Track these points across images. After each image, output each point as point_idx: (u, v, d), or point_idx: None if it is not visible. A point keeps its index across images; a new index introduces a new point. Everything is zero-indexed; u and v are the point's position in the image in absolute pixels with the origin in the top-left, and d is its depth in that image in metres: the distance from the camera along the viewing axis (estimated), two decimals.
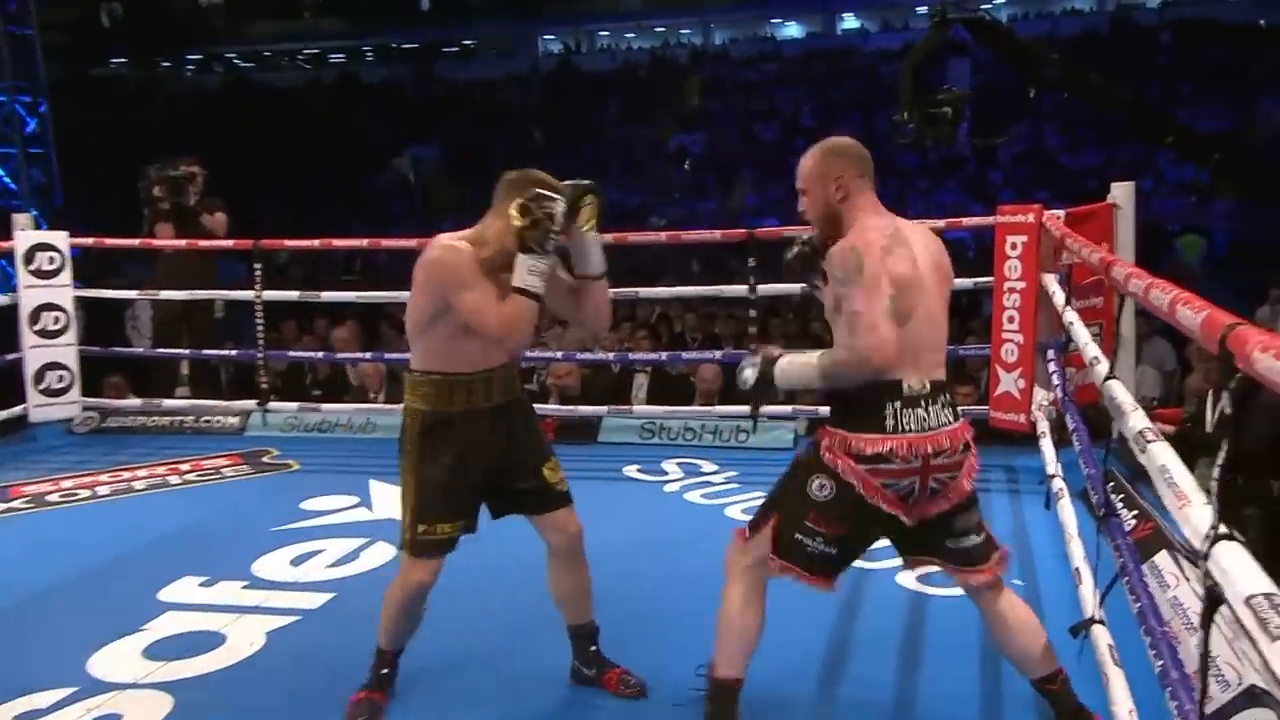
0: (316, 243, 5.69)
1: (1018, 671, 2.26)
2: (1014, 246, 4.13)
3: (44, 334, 5.26)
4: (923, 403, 2.04)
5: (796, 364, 2.13)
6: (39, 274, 5.25)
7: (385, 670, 2.48)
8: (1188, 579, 2.62)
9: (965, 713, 2.40)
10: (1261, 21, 20.37)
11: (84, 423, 5.54)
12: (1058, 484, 3.32)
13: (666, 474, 4.52)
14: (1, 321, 5.35)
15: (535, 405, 2.73)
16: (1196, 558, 1.30)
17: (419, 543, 2.36)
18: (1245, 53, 18.77)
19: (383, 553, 3.51)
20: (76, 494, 4.42)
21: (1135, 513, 3.22)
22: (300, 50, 31.21)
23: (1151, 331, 5.89)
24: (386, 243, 5.66)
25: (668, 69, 25.03)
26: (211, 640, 2.85)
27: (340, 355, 6.09)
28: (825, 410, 4.64)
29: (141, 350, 6.35)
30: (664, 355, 5.68)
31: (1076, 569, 2.61)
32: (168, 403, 5.62)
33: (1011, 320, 4.14)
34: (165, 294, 5.58)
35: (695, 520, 3.89)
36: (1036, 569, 3.23)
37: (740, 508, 3.95)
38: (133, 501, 4.33)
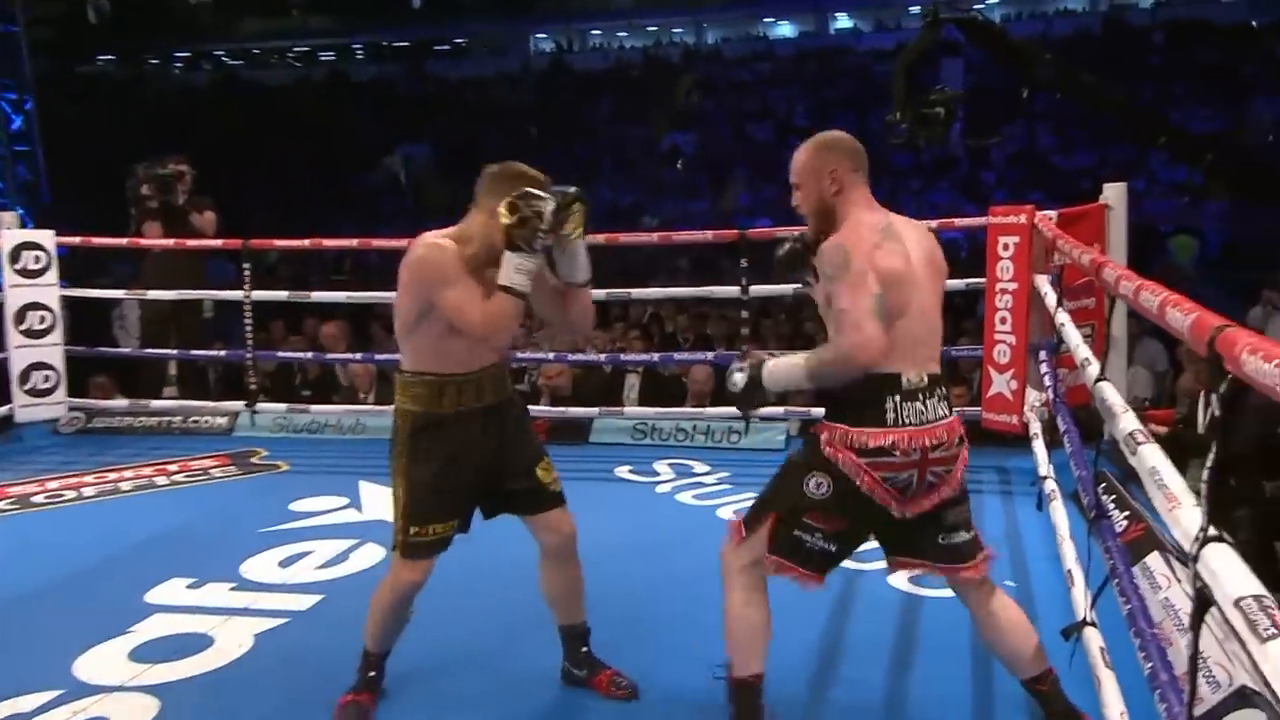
0: (306, 242, 5.66)
1: (1008, 671, 2.26)
2: (1006, 247, 4.14)
3: (30, 334, 5.23)
4: (921, 396, 2.05)
5: (784, 365, 2.13)
6: (25, 273, 5.21)
7: (373, 673, 2.47)
8: (1179, 580, 2.62)
9: (957, 714, 2.40)
10: (1254, 22, 20.46)
11: (70, 423, 5.50)
12: (1050, 485, 3.31)
13: (658, 475, 4.51)
14: None
15: (526, 406, 2.72)
16: (1186, 559, 1.31)
17: (410, 544, 2.35)
18: (1238, 53, 18.84)
19: (372, 554, 3.49)
20: (62, 495, 4.39)
21: (1127, 514, 3.22)
22: (290, 48, 31.07)
23: (1143, 332, 5.90)
24: (377, 242, 5.63)
25: (660, 68, 25.01)
26: (199, 642, 2.83)
27: (330, 356, 6.06)
28: (817, 411, 4.66)
29: (129, 350, 6.32)
30: (656, 356, 5.66)
31: (1069, 571, 2.61)
32: (155, 403, 5.59)
33: (1004, 321, 4.14)
34: (153, 294, 5.55)
35: (687, 521, 3.88)
36: (1029, 570, 3.23)
37: (732, 509, 3.94)
38: (120, 503, 4.31)
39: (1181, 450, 3.43)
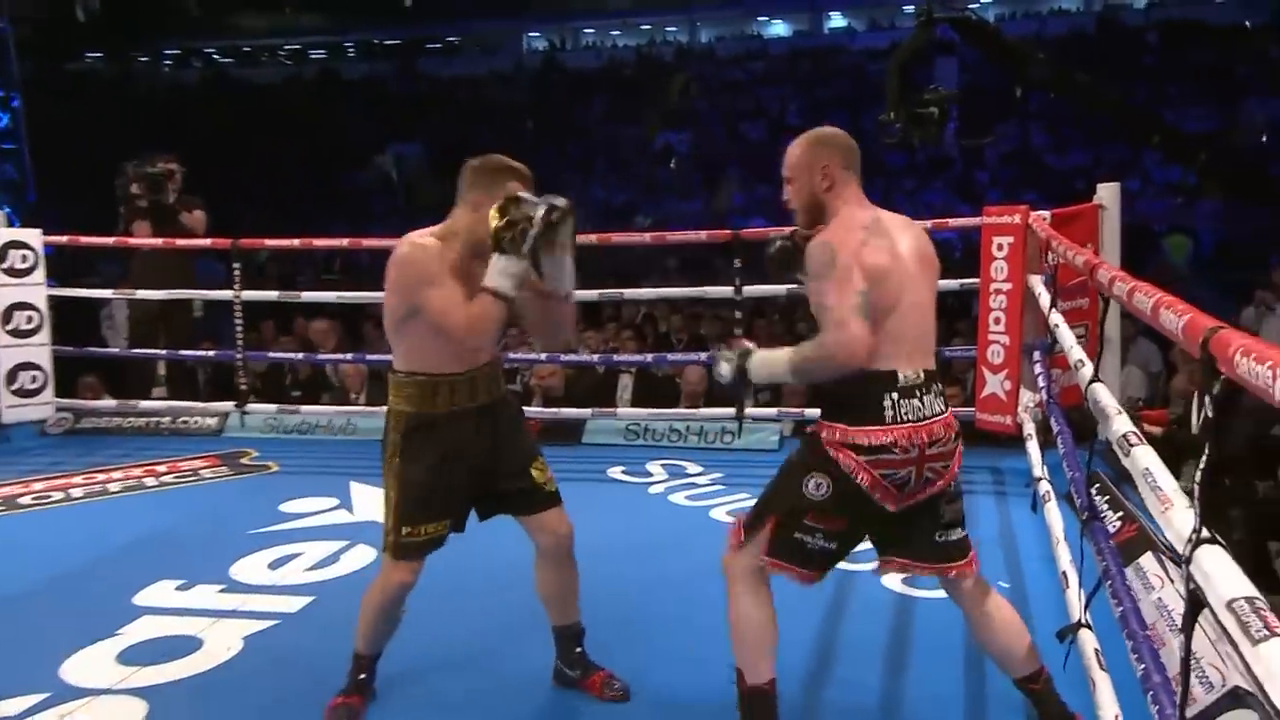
0: (297, 242, 5.63)
1: (1001, 670, 2.26)
2: (1000, 248, 4.13)
3: (17, 334, 5.18)
4: (918, 392, 2.05)
5: (769, 358, 2.13)
6: (11, 272, 5.17)
7: (363, 675, 2.45)
8: (1172, 581, 2.62)
9: (951, 714, 2.40)
10: (1247, 22, 20.55)
11: (58, 424, 5.46)
12: (1044, 486, 3.31)
13: (651, 475, 4.50)
14: None
15: (521, 407, 2.71)
16: (1179, 561, 1.31)
17: (402, 545, 2.33)
18: (1231, 53, 18.93)
19: (363, 555, 3.48)
20: (50, 496, 4.35)
21: (1120, 514, 3.22)
22: (281, 46, 31.00)
23: (1137, 332, 5.91)
24: (367, 242, 5.60)
25: (653, 67, 25.00)
26: (188, 645, 2.82)
27: (321, 356, 6.03)
28: (811, 412, 4.65)
29: (117, 350, 6.28)
30: (649, 357, 5.65)
31: (1063, 572, 2.60)
32: (144, 404, 5.56)
33: (997, 321, 4.14)
34: (142, 293, 5.51)
35: (680, 522, 3.88)
36: (1023, 571, 3.22)
37: (725, 509, 3.94)
38: (108, 504, 4.28)
39: (1176, 451, 3.44)
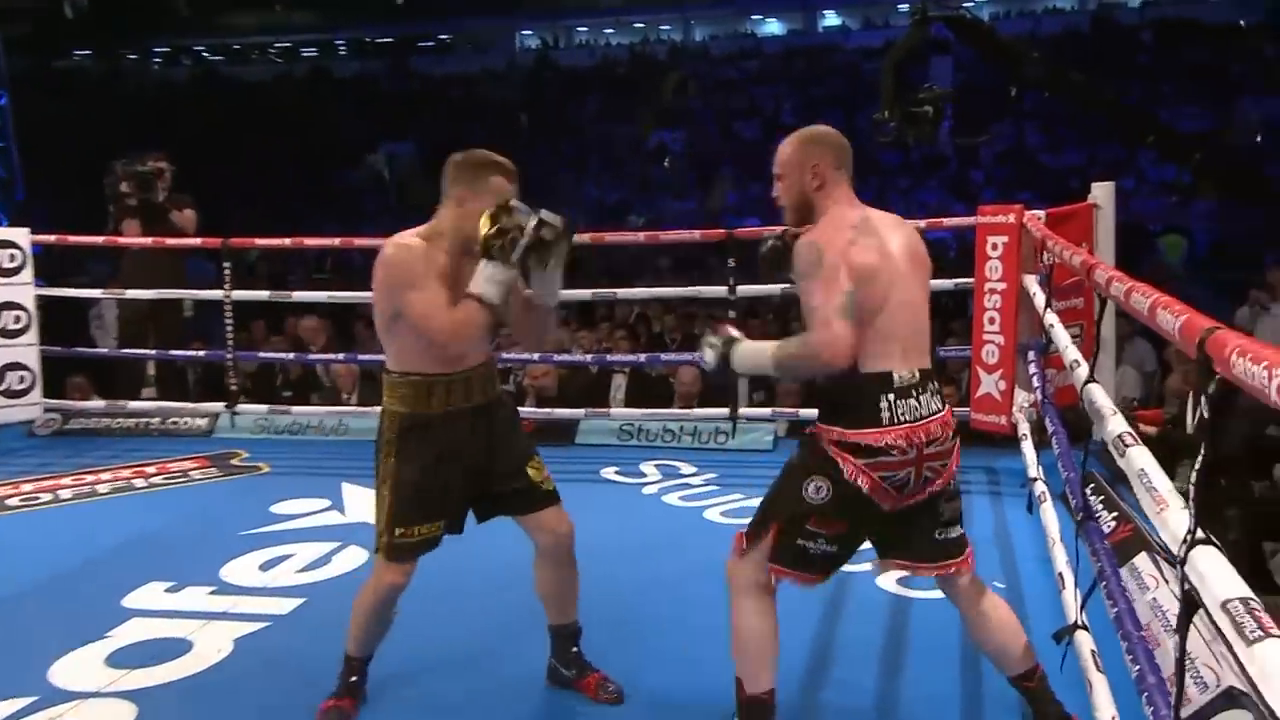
0: (287, 241, 5.61)
1: (996, 668, 2.26)
2: (995, 247, 4.13)
3: (4, 333, 5.15)
4: (914, 392, 2.04)
5: (754, 349, 2.13)
6: None
7: (354, 678, 2.44)
8: (1167, 581, 2.62)
9: (947, 715, 2.39)
10: (1241, 21, 20.60)
11: (46, 425, 5.42)
12: (1039, 487, 3.30)
13: (645, 476, 4.48)
14: None
15: (516, 407, 2.70)
16: (1174, 561, 1.31)
17: (395, 546, 2.31)
18: (1225, 52, 18.97)
19: (355, 557, 3.46)
20: (38, 498, 4.32)
21: (1115, 515, 3.22)
22: (271, 43, 30.87)
23: (1132, 332, 5.91)
24: (359, 241, 5.57)
25: (647, 65, 24.98)
26: (177, 647, 2.80)
27: (312, 356, 6.00)
28: (805, 412, 4.64)
29: (106, 350, 6.24)
30: (642, 357, 5.63)
31: (1059, 573, 2.60)
32: (133, 404, 5.52)
33: (992, 321, 4.13)
34: (131, 293, 5.48)
35: (674, 523, 3.87)
36: (1019, 572, 3.22)
37: (719, 510, 3.93)
38: (96, 505, 4.25)
39: (1171, 451, 3.44)
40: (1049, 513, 3.03)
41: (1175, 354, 4.68)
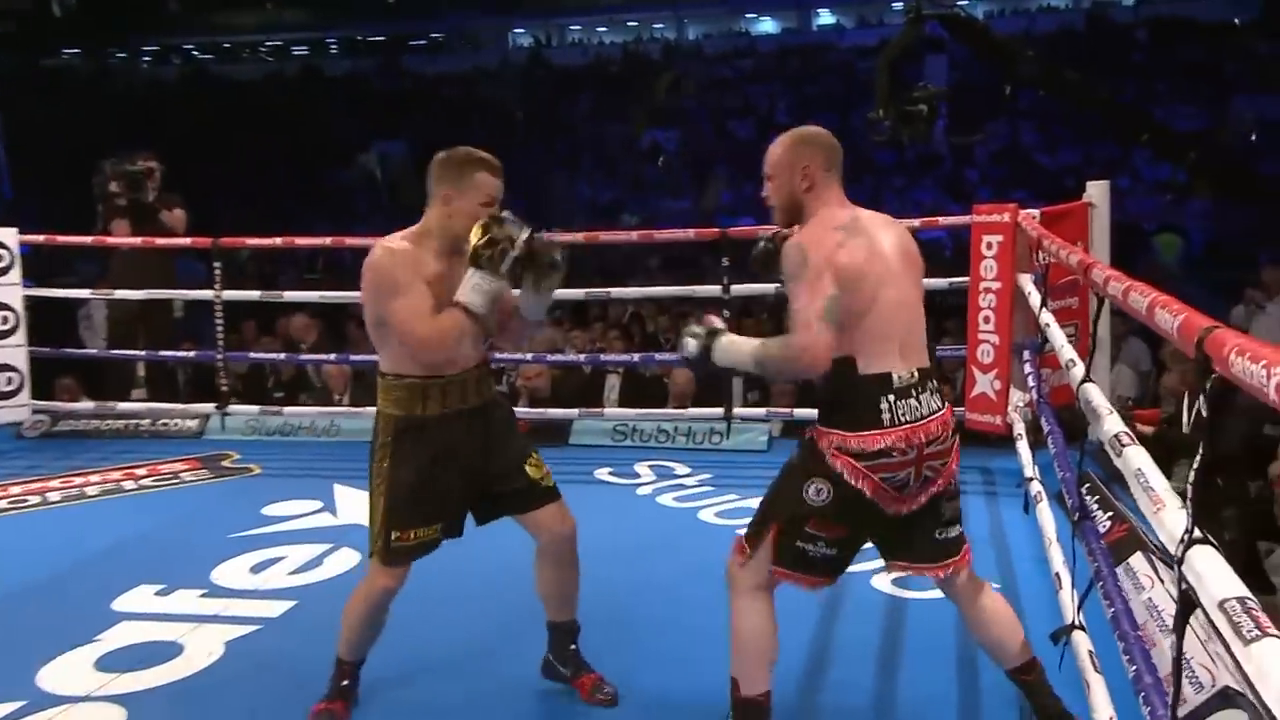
0: (278, 240, 5.57)
1: (994, 662, 2.25)
2: (990, 246, 4.12)
3: None
4: (913, 392, 2.03)
5: (737, 346, 2.12)
6: None
7: (346, 681, 2.42)
8: (1162, 581, 2.62)
9: (944, 716, 2.39)
10: (1236, 20, 20.66)
11: (34, 426, 5.37)
12: (1035, 487, 3.29)
13: (639, 477, 4.46)
14: None
15: (511, 408, 2.69)
16: (1171, 561, 1.31)
17: (392, 549, 2.30)
18: (1220, 51, 19.03)
19: (347, 559, 3.44)
20: (26, 500, 4.28)
21: (1110, 514, 3.21)
22: (262, 42, 30.81)
23: (1128, 331, 5.91)
24: (350, 241, 5.55)
25: (640, 64, 24.97)
26: (167, 651, 2.78)
27: (304, 357, 5.97)
28: (800, 412, 4.62)
29: (95, 351, 6.19)
30: (636, 357, 5.61)
31: (1056, 574, 2.59)
32: (123, 405, 5.48)
33: (987, 321, 4.12)
34: (121, 293, 5.44)
35: (668, 524, 3.85)
36: (1015, 573, 3.21)
37: (714, 511, 3.92)
38: (86, 508, 4.21)
39: (1168, 451, 3.43)
40: (1045, 513, 3.02)
41: (1171, 353, 4.67)
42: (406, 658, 2.64)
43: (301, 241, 5.95)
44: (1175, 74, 18.51)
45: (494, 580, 3.03)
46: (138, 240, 5.41)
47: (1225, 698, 1.97)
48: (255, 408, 5.39)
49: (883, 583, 3.07)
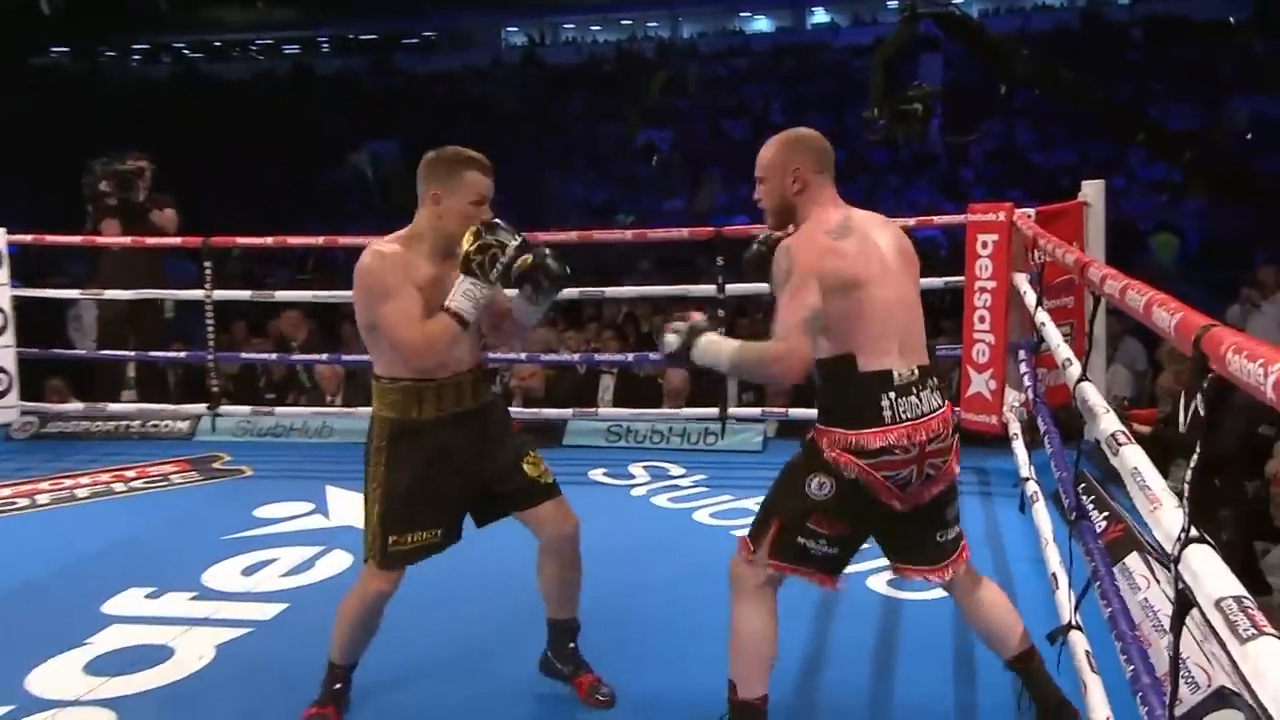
0: (269, 240, 5.54)
1: (993, 651, 2.26)
2: (985, 245, 4.11)
3: None
4: (914, 389, 2.04)
5: (716, 346, 2.11)
6: None
7: (338, 685, 2.41)
8: (1158, 581, 2.63)
9: (940, 717, 2.38)
10: (1231, 18, 20.71)
11: (23, 428, 5.34)
12: (1031, 487, 3.28)
13: (633, 478, 4.45)
14: None
15: (507, 408, 2.70)
16: (1167, 560, 1.32)
17: (389, 554, 2.29)
18: (1215, 50, 19.07)
19: (339, 561, 3.43)
20: (15, 503, 4.25)
21: (1106, 514, 3.21)
22: (252, 40, 30.70)
23: (1123, 331, 5.92)
24: (343, 240, 5.52)
25: (634, 63, 24.94)
26: (158, 654, 2.77)
27: (295, 357, 5.94)
28: (795, 412, 4.61)
29: (85, 352, 6.15)
30: (630, 356, 5.59)
31: (1053, 574, 2.59)
32: (112, 407, 5.45)
33: (983, 320, 4.12)
34: (110, 293, 5.40)
35: (663, 525, 3.84)
36: (1011, 573, 3.21)
37: (709, 512, 3.91)
38: (75, 510, 4.18)
39: (1165, 451, 3.43)
40: (1041, 513, 3.02)
41: (1168, 353, 4.67)
42: (400, 661, 2.62)
43: (292, 240, 5.92)
44: (1171, 73, 18.55)
45: (489, 583, 3.02)
46: (127, 240, 5.38)
47: (1221, 698, 1.98)
48: (247, 408, 5.35)
49: (878, 584, 3.07)
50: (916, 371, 2.05)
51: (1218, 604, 1.14)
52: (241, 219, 11.69)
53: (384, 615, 2.36)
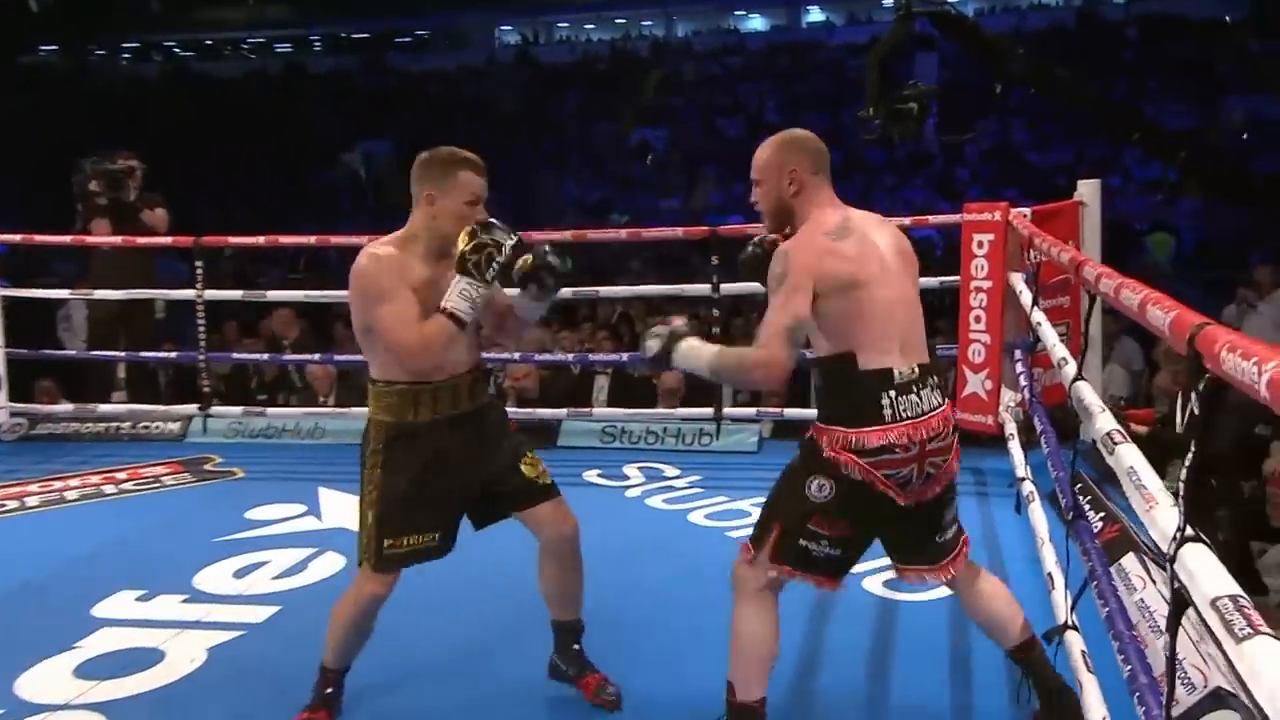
0: (261, 239, 5.52)
1: (994, 641, 2.26)
2: (981, 245, 4.10)
3: None
4: (914, 388, 2.04)
5: (697, 351, 2.12)
6: None
7: (330, 689, 2.39)
8: (1154, 581, 2.62)
9: (937, 717, 2.38)
10: (1226, 17, 20.76)
11: (12, 430, 5.30)
12: (1028, 487, 3.28)
13: (628, 479, 4.43)
14: None
15: (504, 410, 2.69)
16: (1163, 560, 1.33)
17: (385, 557, 2.27)
18: (1210, 49, 19.12)
19: (332, 563, 3.41)
20: (4, 505, 4.22)
21: (1102, 515, 3.20)
22: (244, 39, 30.63)
23: (1120, 330, 5.92)
24: (335, 239, 5.49)
25: (628, 61, 24.93)
26: (149, 657, 2.75)
27: (287, 357, 5.91)
28: (790, 412, 4.59)
29: (75, 352, 6.10)
30: (625, 356, 5.57)
31: (1049, 574, 2.58)
32: (103, 408, 5.39)
33: (978, 320, 4.11)
34: (101, 293, 5.36)
35: (658, 526, 3.83)
36: (1008, 573, 3.19)
37: (703, 513, 3.90)
38: (65, 513, 4.15)
39: (1161, 450, 3.42)
40: (1037, 513, 3.01)
41: (1164, 353, 4.67)
42: (397, 663, 2.61)
43: (284, 240, 5.89)
44: (1166, 72, 18.60)
45: (487, 585, 3.01)
46: (118, 239, 5.34)
47: (1217, 698, 1.98)
48: (238, 409, 5.32)
49: (874, 585, 3.06)
50: (917, 370, 2.05)
51: (1214, 603, 1.14)
52: (233, 218, 11.67)
53: (379, 618, 2.35)
